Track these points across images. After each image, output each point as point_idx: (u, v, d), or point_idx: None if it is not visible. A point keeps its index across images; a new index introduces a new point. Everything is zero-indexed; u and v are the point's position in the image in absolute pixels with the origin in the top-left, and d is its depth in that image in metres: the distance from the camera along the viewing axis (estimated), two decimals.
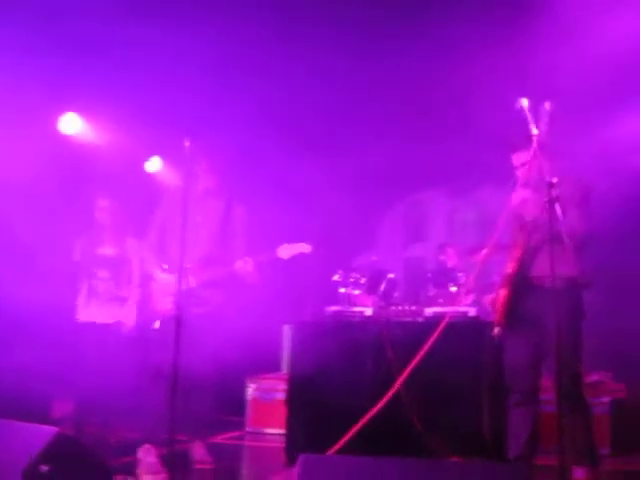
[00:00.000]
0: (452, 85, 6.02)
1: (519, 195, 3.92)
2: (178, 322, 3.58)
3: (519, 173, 4.07)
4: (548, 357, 3.91)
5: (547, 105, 3.62)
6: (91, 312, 5.59)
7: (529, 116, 3.52)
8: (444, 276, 5.90)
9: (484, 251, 6.36)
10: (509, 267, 3.98)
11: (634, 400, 5.64)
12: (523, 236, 3.94)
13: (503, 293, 4.01)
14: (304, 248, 4.81)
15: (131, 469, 4.55)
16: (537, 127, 3.53)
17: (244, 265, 4.77)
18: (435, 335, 3.95)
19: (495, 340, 4.11)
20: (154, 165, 7.19)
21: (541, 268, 3.87)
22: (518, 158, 4.06)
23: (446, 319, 4.03)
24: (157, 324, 4.76)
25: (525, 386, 4.02)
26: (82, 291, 5.67)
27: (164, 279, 4.81)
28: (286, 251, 4.80)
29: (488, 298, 4.27)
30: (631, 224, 6.26)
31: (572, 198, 3.83)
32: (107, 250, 5.67)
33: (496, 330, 4.05)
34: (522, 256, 3.95)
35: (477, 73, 5.56)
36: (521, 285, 3.96)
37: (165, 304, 4.77)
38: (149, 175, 7.12)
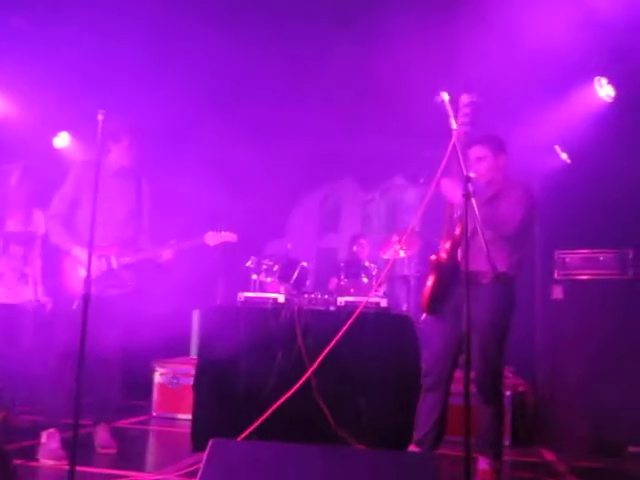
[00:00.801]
0: (370, 76, 6.05)
1: (445, 184, 3.93)
2: (86, 302, 3.45)
3: (475, 168, 4.10)
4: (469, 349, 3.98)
5: (465, 98, 3.67)
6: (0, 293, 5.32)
7: (449, 110, 3.54)
8: (356, 267, 5.95)
9: (396, 245, 6.55)
10: (439, 255, 4.08)
11: (533, 394, 5.85)
12: (452, 227, 4.02)
13: (430, 280, 4.11)
14: (230, 237, 4.87)
15: (32, 454, 4.40)
16: (456, 121, 3.57)
17: (168, 252, 4.71)
18: (348, 324, 3.95)
19: (419, 326, 4.20)
20: (62, 140, 6.95)
21: (472, 260, 3.93)
22: (474, 152, 4.14)
23: (359, 308, 4.05)
24: (75, 304, 4.54)
25: (440, 372, 4.11)
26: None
27: (82, 256, 4.57)
28: (213, 238, 4.80)
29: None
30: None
31: (509, 197, 4.02)
32: (16, 226, 5.32)
33: (423, 316, 4.14)
34: (452, 246, 4.04)
35: (395, 64, 5.60)
36: (450, 275, 4.03)
37: (80, 283, 4.57)
38: (57, 150, 6.89)
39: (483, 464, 4.02)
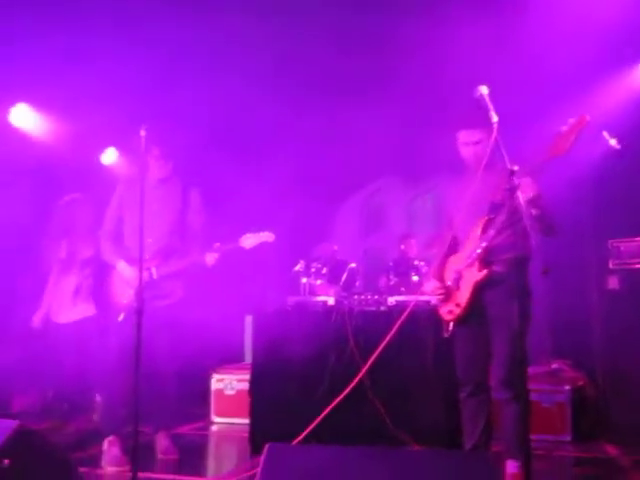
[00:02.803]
0: (410, 71, 6.01)
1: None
2: (139, 314, 3.53)
3: (465, 152, 3.97)
4: (494, 345, 3.87)
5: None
6: (77, 311, 5.59)
7: (489, 103, 3.48)
8: (406, 265, 5.94)
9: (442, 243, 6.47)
10: (477, 268, 3.85)
11: (593, 387, 5.74)
12: (487, 224, 3.87)
13: (467, 298, 3.89)
14: (267, 237, 4.79)
15: (96, 461, 4.51)
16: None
17: (212, 257, 4.72)
18: (399, 323, 3.93)
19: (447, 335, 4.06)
20: (110, 157, 7.07)
21: (493, 254, 3.83)
22: (470, 135, 3.92)
23: (410, 307, 4.01)
24: (121, 317, 4.68)
25: (476, 378, 3.97)
26: (64, 291, 5.64)
27: (126, 270, 4.73)
28: (249, 240, 4.76)
29: (434, 291, 4.10)
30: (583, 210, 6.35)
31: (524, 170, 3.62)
32: (88, 251, 5.62)
33: (451, 327, 3.98)
34: (485, 251, 3.82)
35: (435, 59, 5.57)
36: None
37: (126, 296, 4.71)
38: (105, 168, 7.02)
39: (512, 468, 3.76)
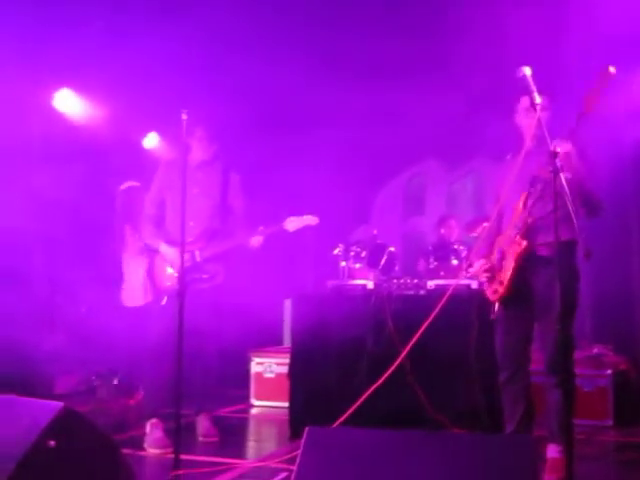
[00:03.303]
0: (452, 54, 5.95)
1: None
2: (182, 297, 3.56)
3: (525, 118, 3.87)
4: (540, 329, 3.86)
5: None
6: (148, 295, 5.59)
7: (532, 84, 3.40)
8: (445, 249, 5.88)
9: (485, 224, 6.41)
10: (518, 240, 3.83)
11: (636, 371, 5.66)
12: (525, 201, 3.83)
13: (510, 273, 3.85)
14: (311, 220, 4.80)
15: (139, 443, 4.58)
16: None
17: (256, 240, 4.74)
18: (439, 306, 3.91)
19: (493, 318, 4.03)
20: (151, 141, 7.13)
21: (539, 237, 3.82)
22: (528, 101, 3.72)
23: (449, 291, 3.99)
24: (164, 300, 4.73)
25: (513, 364, 3.95)
26: (135, 275, 5.67)
27: (169, 253, 4.75)
28: (293, 223, 4.77)
29: (481, 268, 4.10)
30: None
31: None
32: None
33: (497, 308, 3.97)
34: (526, 225, 3.82)
35: (472, 38, 5.50)
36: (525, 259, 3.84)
37: (170, 279, 4.75)
38: (147, 152, 7.09)
39: (553, 452, 3.77)
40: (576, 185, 3.48)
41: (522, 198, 3.85)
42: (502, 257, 3.94)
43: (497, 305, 3.98)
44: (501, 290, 3.92)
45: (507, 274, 3.88)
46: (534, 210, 3.80)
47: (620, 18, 5.11)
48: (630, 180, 6.20)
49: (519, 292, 3.88)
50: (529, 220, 3.82)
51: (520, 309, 3.91)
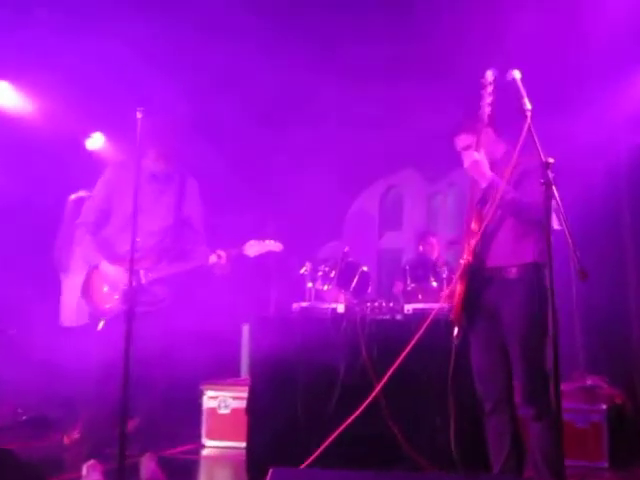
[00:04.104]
0: (432, 56, 6.04)
1: (470, 156, 3.86)
2: (129, 321, 3.53)
3: (464, 157, 4.05)
4: (511, 358, 3.91)
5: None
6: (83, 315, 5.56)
7: (521, 89, 3.48)
8: (424, 269, 5.92)
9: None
10: (466, 258, 3.95)
11: (633, 406, 5.73)
12: (478, 215, 3.93)
13: (459, 288, 3.96)
14: (274, 246, 4.85)
15: None
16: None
17: (218, 260, 4.73)
18: (418, 334, 3.94)
19: (455, 342, 4.09)
20: (96, 142, 7.09)
21: (497, 255, 3.93)
22: (463, 140, 4.08)
23: (431, 317, 4.02)
24: (101, 324, 4.66)
25: (496, 392, 3.99)
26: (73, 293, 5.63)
27: (110, 271, 4.68)
28: (254, 248, 4.80)
29: (444, 294, 4.28)
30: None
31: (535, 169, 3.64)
32: None
33: (455, 331, 4.03)
34: (477, 243, 3.92)
35: (457, 45, 5.60)
36: (477, 276, 3.95)
37: (108, 300, 4.68)
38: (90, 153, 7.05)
39: None
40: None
41: (474, 215, 3.97)
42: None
43: (456, 329, 4.04)
44: (456, 309, 4.01)
45: (458, 291, 3.99)
46: (489, 227, 3.93)
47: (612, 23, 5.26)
48: (623, 190, 6.27)
49: (488, 317, 3.96)
50: (478, 239, 3.92)
51: (489, 335, 3.99)
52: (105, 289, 4.72)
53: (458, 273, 4.00)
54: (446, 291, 4.31)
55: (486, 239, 3.94)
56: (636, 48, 5.62)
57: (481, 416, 4.12)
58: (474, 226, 3.94)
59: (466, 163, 3.92)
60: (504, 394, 3.99)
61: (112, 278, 4.66)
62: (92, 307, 4.75)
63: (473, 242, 3.93)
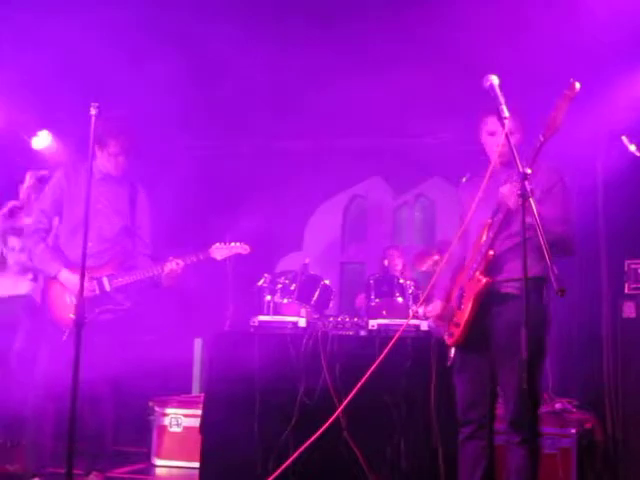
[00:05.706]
0: (402, 57, 6.06)
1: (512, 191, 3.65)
2: (78, 331, 3.47)
3: (487, 142, 4.01)
4: (502, 379, 3.91)
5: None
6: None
7: (500, 95, 3.46)
8: (389, 284, 5.91)
9: (435, 257, 6.51)
10: (477, 277, 3.87)
11: (602, 431, 5.78)
12: (490, 235, 3.89)
13: (469, 311, 3.90)
14: (240, 248, 4.91)
15: None
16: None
17: (175, 267, 4.70)
18: (384, 352, 3.92)
19: (449, 364, 4.08)
20: (42, 140, 6.98)
21: (502, 273, 3.88)
22: (493, 124, 3.91)
23: (397, 334, 4.01)
24: (66, 335, 4.54)
25: (479, 417, 3.98)
26: None
27: (71, 280, 4.60)
28: (220, 251, 4.80)
29: (433, 312, 4.20)
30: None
31: (548, 192, 3.85)
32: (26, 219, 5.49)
33: (452, 352, 4.02)
34: (487, 260, 3.87)
35: (434, 45, 5.63)
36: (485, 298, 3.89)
37: (69, 311, 4.59)
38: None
39: None
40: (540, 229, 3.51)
41: (485, 228, 3.92)
42: (461, 296, 3.99)
43: (453, 350, 4.02)
44: (457, 333, 3.96)
45: (465, 315, 3.92)
46: (497, 242, 3.88)
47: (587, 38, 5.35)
48: (599, 211, 6.36)
49: (480, 335, 3.92)
50: (490, 253, 3.88)
51: (480, 357, 3.96)
52: (68, 300, 4.67)
53: (472, 294, 3.87)
54: (437, 310, 4.16)
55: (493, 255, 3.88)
56: (612, 63, 5.70)
57: (448, 441, 4.11)
58: (483, 240, 3.89)
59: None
60: (485, 420, 3.98)
61: (74, 287, 4.56)
62: (56, 319, 4.69)
63: (482, 258, 3.87)
